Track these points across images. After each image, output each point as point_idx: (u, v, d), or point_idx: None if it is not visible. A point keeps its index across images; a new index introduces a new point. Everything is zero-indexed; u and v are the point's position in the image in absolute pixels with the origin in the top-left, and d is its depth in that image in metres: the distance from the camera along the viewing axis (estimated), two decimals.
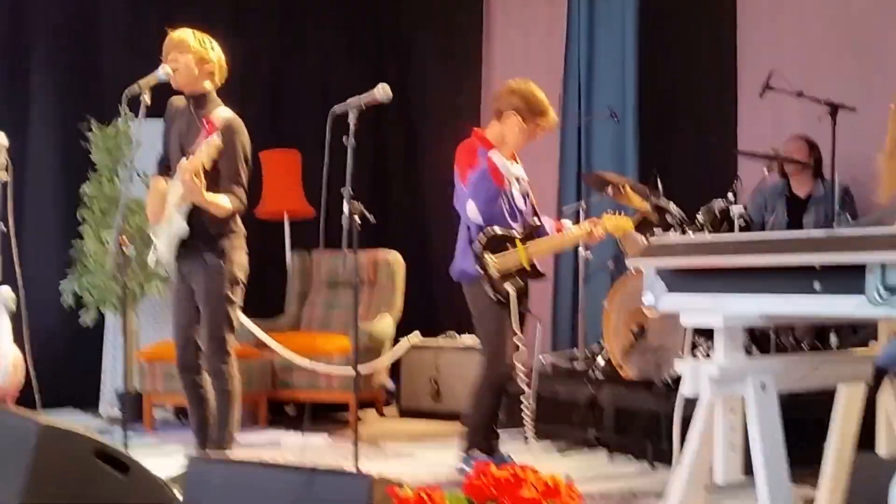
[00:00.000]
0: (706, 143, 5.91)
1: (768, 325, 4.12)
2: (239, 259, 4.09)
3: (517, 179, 4.38)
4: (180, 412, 6.06)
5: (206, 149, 3.86)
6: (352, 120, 3.79)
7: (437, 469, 4.56)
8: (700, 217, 4.97)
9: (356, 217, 3.80)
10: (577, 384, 5.13)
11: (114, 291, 5.80)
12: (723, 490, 3.77)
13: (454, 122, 7.49)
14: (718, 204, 4.95)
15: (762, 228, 5.25)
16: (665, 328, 4.80)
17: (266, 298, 6.35)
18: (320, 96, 7.04)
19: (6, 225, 4.04)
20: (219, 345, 4.03)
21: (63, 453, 2.98)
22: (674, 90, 6.14)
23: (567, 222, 4.49)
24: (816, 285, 2.06)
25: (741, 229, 4.78)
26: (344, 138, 3.75)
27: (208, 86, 4.09)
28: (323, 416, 5.93)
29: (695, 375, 2.13)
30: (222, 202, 3.95)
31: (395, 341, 6.18)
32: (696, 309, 2.25)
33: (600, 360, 5.29)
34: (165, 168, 4.21)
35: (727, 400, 2.16)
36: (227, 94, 4.20)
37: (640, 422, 4.56)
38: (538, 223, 4.36)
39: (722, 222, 4.89)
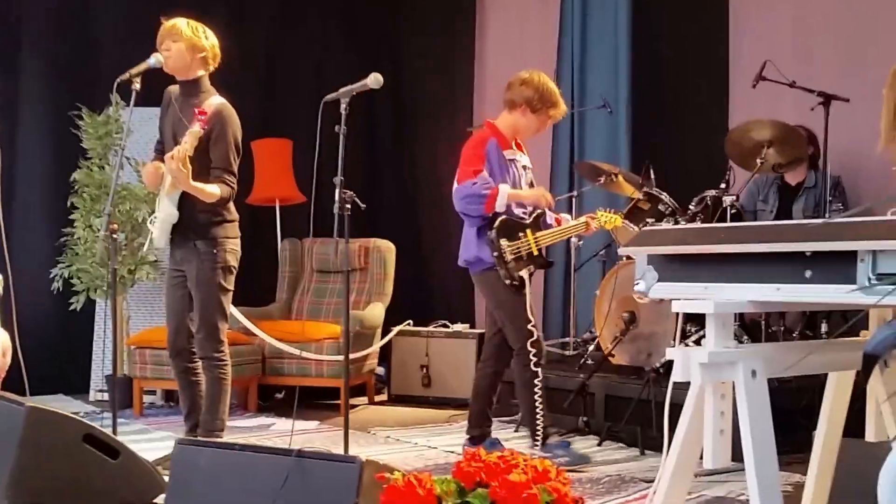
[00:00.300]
0: (699, 133, 5.92)
1: (759, 311, 4.14)
2: (231, 246, 4.10)
3: (524, 168, 4.39)
4: (170, 397, 6.06)
5: (189, 138, 3.87)
6: (343, 108, 3.78)
7: (427, 455, 4.57)
8: (692, 206, 4.98)
9: (347, 205, 3.79)
10: (568, 371, 5.15)
11: (104, 277, 5.80)
12: (712, 476, 3.81)
13: (446, 110, 7.51)
14: (711, 193, 4.96)
15: (754, 216, 5.28)
16: (656, 315, 4.81)
17: (257, 286, 6.35)
18: (312, 85, 7.02)
19: None
20: (210, 331, 4.04)
21: (51, 438, 2.98)
22: (667, 80, 6.15)
23: (566, 217, 4.50)
24: (807, 273, 2.06)
25: (733, 218, 4.79)
26: (336, 127, 3.75)
27: (201, 73, 4.09)
28: (313, 402, 5.94)
29: (685, 362, 2.13)
30: (210, 189, 3.95)
31: (386, 329, 6.19)
32: (687, 296, 2.25)
33: (591, 348, 5.31)
34: (161, 155, 4.21)
35: (717, 386, 2.16)
36: (221, 82, 4.19)
37: (631, 408, 4.57)
38: (541, 211, 4.38)
39: (714, 211, 4.90)
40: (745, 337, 4.74)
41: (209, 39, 4.08)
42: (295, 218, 6.68)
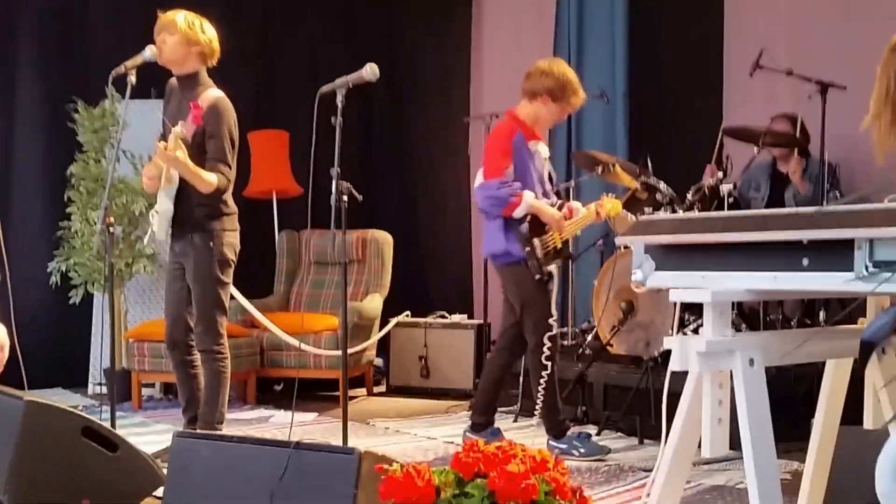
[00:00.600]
0: (696, 122, 5.92)
1: (757, 300, 4.15)
2: (229, 240, 4.09)
3: (545, 160, 4.38)
4: (168, 390, 6.07)
5: (173, 138, 3.85)
6: (339, 100, 3.77)
7: (426, 445, 4.57)
8: (690, 195, 4.98)
9: (344, 196, 3.79)
10: (566, 361, 5.14)
11: (101, 271, 5.80)
12: (710, 464, 3.82)
13: (443, 101, 7.50)
14: (708, 182, 4.96)
15: (747, 204, 5.29)
16: (654, 305, 4.82)
17: (255, 278, 6.34)
18: (308, 76, 7.01)
19: None
20: (209, 325, 4.04)
21: (50, 431, 2.98)
22: (663, 70, 6.15)
23: (577, 204, 4.49)
24: (805, 261, 2.06)
25: (730, 207, 4.79)
26: (332, 118, 3.74)
27: (198, 66, 4.07)
28: (312, 393, 5.94)
29: (683, 351, 2.13)
30: (207, 177, 3.95)
31: (384, 320, 6.19)
32: (685, 285, 2.25)
33: (589, 337, 5.31)
34: None
35: (715, 375, 2.16)
36: (216, 74, 4.18)
37: (629, 398, 4.58)
38: (562, 202, 4.38)
39: (712, 200, 4.90)
40: (744, 325, 4.74)
41: (206, 33, 4.06)
42: (292, 210, 6.67)
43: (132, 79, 3.92)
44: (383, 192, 7.47)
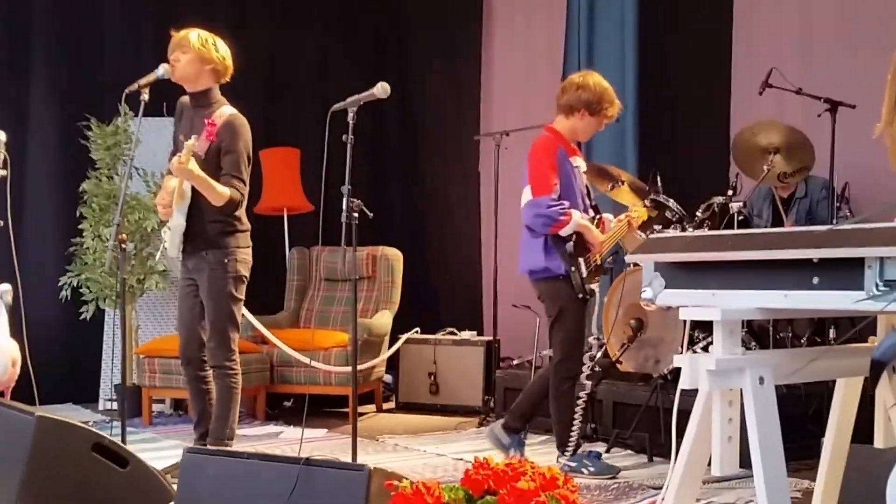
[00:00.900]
0: (705, 141, 5.93)
1: (767, 318, 4.13)
2: (242, 256, 4.12)
3: (583, 174, 4.39)
4: (178, 406, 6.08)
5: (186, 151, 3.88)
6: (351, 117, 3.79)
7: (435, 462, 4.57)
8: (699, 213, 4.98)
9: (355, 213, 3.80)
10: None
11: (112, 287, 5.82)
12: (720, 482, 3.81)
13: (453, 117, 7.52)
14: (718, 200, 4.96)
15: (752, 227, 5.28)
16: (663, 322, 4.81)
17: (265, 294, 6.35)
18: (320, 94, 7.04)
19: (5, 220, 4.04)
20: (222, 340, 4.06)
21: (61, 447, 2.98)
22: (673, 89, 6.15)
23: (608, 216, 4.48)
24: (815, 280, 2.06)
25: (740, 225, 4.79)
26: (343, 136, 3.76)
27: (210, 84, 4.10)
28: (321, 410, 5.94)
29: (693, 369, 2.13)
30: (220, 189, 3.97)
31: (394, 336, 6.19)
32: (695, 303, 2.25)
33: (599, 355, 5.30)
34: None
35: (725, 393, 2.16)
36: (227, 91, 4.21)
37: (639, 415, 4.57)
38: (600, 216, 4.38)
39: (721, 218, 4.89)
40: (753, 343, 4.73)
41: (220, 51, 4.10)
42: (303, 226, 6.69)
43: (145, 96, 3.95)
44: (394, 209, 7.49)
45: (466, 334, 6.25)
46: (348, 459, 3.80)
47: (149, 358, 5.66)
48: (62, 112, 6.35)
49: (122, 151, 5.93)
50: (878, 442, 2.48)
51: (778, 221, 5.20)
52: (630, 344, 4.89)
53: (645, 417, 4.54)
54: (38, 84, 6.39)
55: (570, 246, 4.17)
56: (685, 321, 2.28)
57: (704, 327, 4.57)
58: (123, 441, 3.66)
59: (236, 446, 4.18)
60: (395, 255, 6.46)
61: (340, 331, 6.03)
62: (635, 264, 4.70)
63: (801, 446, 3.75)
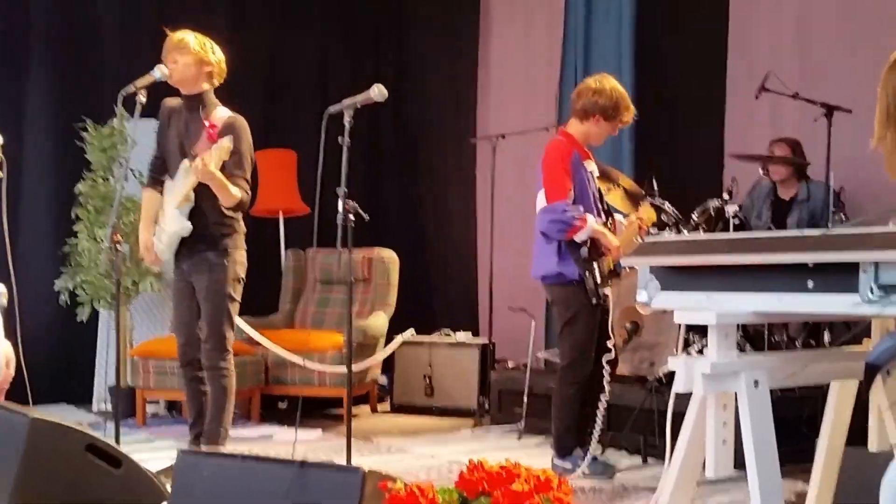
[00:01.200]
0: (701, 144, 5.93)
1: (761, 322, 4.14)
2: (240, 258, 4.16)
3: (596, 178, 4.37)
4: (172, 407, 6.07)
5: (217, 152, 3.88)
6: (347, 120, 3.79)
7: (430, 464, 4.57)
8: (695, 216, 4.98)
9: (350, 215, 3.80)
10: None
11: (108, 288, 5.81)
12: (714, 485, 3.81)
13: (450, 121, 7.53)
14: (714, 204, 4.96)
15: (750, 229, 5.29)
16: (659, 325, 4.81)
17: (261, 296, 6.34)
18: (316, 96, 7.05)
19: (0, 221, 4.04)
20: (219, 341, 4.08)
21: (54, 447, 2.98)
22: (670, 93, 6.16)
23: (619, 217, 4.47)
24: (810, 284, 2.07)
25: (736, 228, 4.79)
26: (339, 138, 3.76)
27: (206, 86, 4.12)
28: (316, 411, 5.94)
29: (688, 372, 2.14)
30: (233, 190, 3.99)
31: (389, 338, 6.19)
32: (690, 307, 2.26)
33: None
34: (160, 168, 4.24)
35: (719, 396, 2.17)
36: (224, 94, 4.21)
37: (633, 417, 4.57)
38: (611, 221, 4.38)
39: (717, 222, 4.90)
40: (748, 346, 4.74)
41: (216, 55, 4.12)
42: (298, 228, 6.69)
43: (142, 98, 3.95)
44: (389, 212, 7.49)
45: (462, 336, 6.24)
46: (343, 461, 3.80)
47: (143, 359, 5.65)
48: (58, 113, 6.35)
49: (118, 153, 5.92)
50: (872, 445, 2.49)
51: (777, 223, 5.20)
52: (625, 346, 4.89)
53: (640, 419, 4.55)
54: (35, 85, 6.38)
55: (584, 251, 4.15)
56: (680, 324, 2.28)
57: (700, 330, 4.57)
58: (117, 442, 3.66)
59: (230, 448, 4.18)
60: (390, 257, 6.46)
61: (336, 332, 6.02)
62: (631, 267, 4.70)
63: (795, 449, 3.74)
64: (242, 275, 4.16)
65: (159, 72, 4.01)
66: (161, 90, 4.17)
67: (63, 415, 5.53)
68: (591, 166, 4.36)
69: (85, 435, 3.08)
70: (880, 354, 1.97)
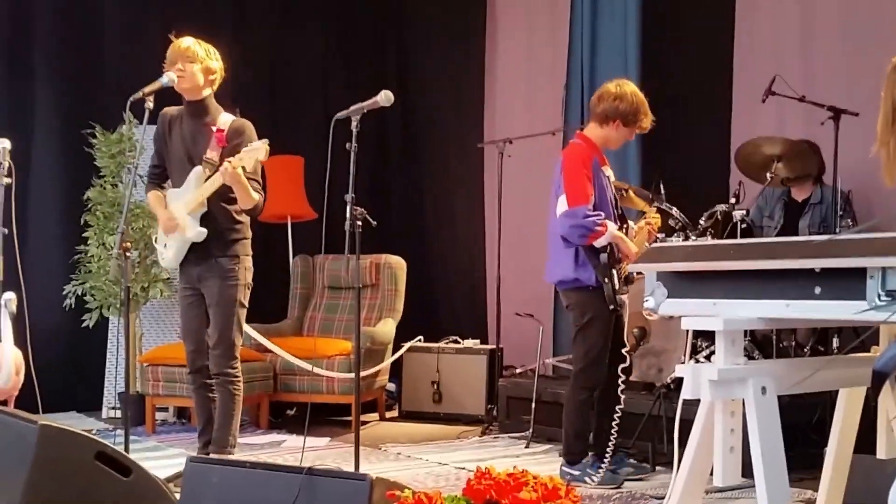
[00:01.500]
0: (709, 148, 5.93)
1: (769, 327, 4.12)
2: (249, 263, 4.19)
3: (612, 183, 4.37)
4: (182, 414, 6.08)
5: (252, 153, 3.90)
6: (354, 125, 3.80)
7: (438, 471, 4.56)
8: (702, 221, 4.97)
9: (358, 221, 3.81)
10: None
11: (117, 295, 5.83)
12: (723, 492, 3.80)
13: (457, 126, 7.53)
14: (721, 208, 4.96)
15: (760, 231, 5.28)
16: (666, 331, 4.81)
17: (269, 302, 6.36)
18: (323, 102, 7.06)
19: (9, 228, 4.06)
20: (228, 347, 4.09)
21: (64, 455, 2.98)
22: (676, 96, 6.15)
23: (631, 224, 4.47)
24: (817, 290, 2.06)
25: (743, 233, 4.79)
26: (347, 144, 3.77)
27: (208, 92, 4.14)
28: (324, 418, 5.94)
29: (695, 379, 2.13)
30: (253, 193, 4.02)
31: (397, 345, 6.19)
32: (697, 313, 2.25)
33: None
34: (160, 177, 4.27)
35: (727, 403, 2.16)
36: (231, 100, 4.22)
37: (641, 424, 4.56)
38: (626, 226, 4.37)
39: (725, 227, 4.89)
40: (756, 352, 4.72)
41: (218, 62, 4.15)
42: (306, 234, 6.69)
43: (149, 104, 3.96)
44: (397, 218, 7.49)
45: (469, 343, 6.24)
46: (351, 468, 3.80)
47: (152, 366, 5.66)
48: (67, 120, 6.36)
49: (127, 159, 5.94)
50: (881, 452, 2.48)
51: (789, 224, 5.19)
52: (633, 353, 4.88)
53: (648, 427, 4.53)
54: (43, 92, 6.41)
55: (604, 257, 4.14)
56: (688, 330, 2.28)
57: (707, 336, 4.56)
58: (126, 449, 3.66)
59: (238, 455, 4.19)
60: (398, 264, 6.46)
61: (344, 339, 6.03)
62: (638, 273, 4.69)
63: (803, 456, 3.74)
64: (250, 281, 4.19)
65: (167, 78, 4.03)
66: (167, 96, 4.18)
67: (72, 422, 5.55)
68: (609, 171, 4.36)
69: (94, 442, 3.08)
70: (888, 361, 1.96)
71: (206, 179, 4.04)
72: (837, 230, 4.58)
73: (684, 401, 2.18)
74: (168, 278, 5.92)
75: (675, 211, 5.01)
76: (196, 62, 4.06)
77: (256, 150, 3.93)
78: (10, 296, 3.98)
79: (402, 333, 6.27)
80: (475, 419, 5.88)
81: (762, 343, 4.82)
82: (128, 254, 3.96)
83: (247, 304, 4.17)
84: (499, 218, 6.06)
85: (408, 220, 7.61)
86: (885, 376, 1.97)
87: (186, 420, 5.97)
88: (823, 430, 2.91)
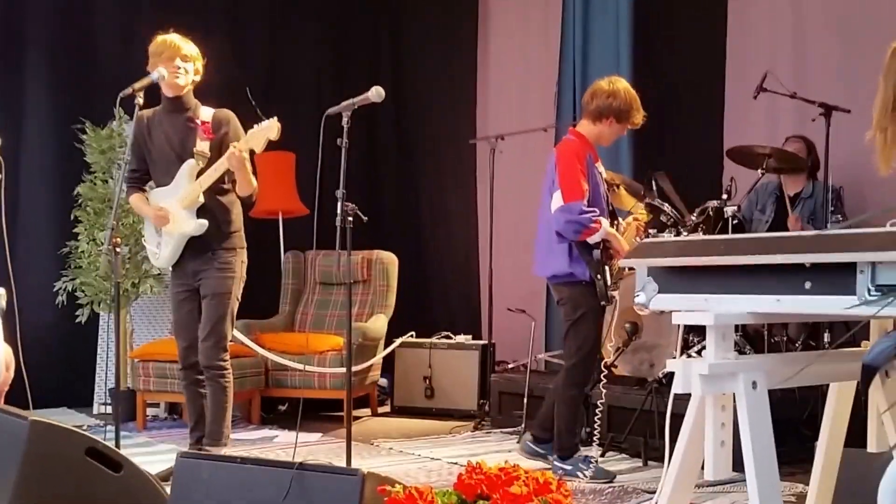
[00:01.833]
0: (701, 144, 5.93)
1: (759, 322, 4.14)
2: (245, 256, 4.21)
3: (604, 179, 4.38)
4: (173, 410, 6.07)
5: (263, 132, 3.94)
6: (345, 121, 3.80)
7: (430, 466, 4.57)
8: (694, 217, 4.98)
9: (350, 217, 3.81)
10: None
11: (107, 290, 5.81)
12: (713, 486, 3.81)
13: (449, 122, 7.53)
14: (713, 204, 4.97)
15: (751, 225, 5.30)
16: (658, 326, 4.81)
17: (260, 298, 6.35)
18: (315, 98, 7.05)
19: None
20: (219, 340, 4.10)
21: (54, 451, 2.98)
22: (668, 92, 6.16)
23: (620, 221, 4.49)
24: (807, 285, 2.07)
25: (734, 229, 4.80)
26: (338, 140, 3.77)
27: (189, 89, 4.17)
28: (316, 414, 5.94)
29: (685, 373, 2.13)
30: (251, 178, 4.06)
31: (389, 340, 6.19)
32: (688, 308, 2.25)
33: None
34: (139, 180, 4.27)
35: (718, 398, 2.17)
36: (222, 96, 4.23)
37: (633, 419, 4.57)
38: (617, 222, 4.39)
39: (716, 222, 4.90)
40: (748, 347, 4.74)
41: (202, 58, 4.18)
42: (298, 230, 6.69)
43: (139, 100, 3.97)
44: (389, 213, 7.49)
45: (462, 338, 6.25)
46: (343, 464, 3.80)
47: (143, 362, 5.65)
48: (57, 115, 6.35)
49: (117, 155, 5.93)
50: (871, 446, 2.48)
51: (781, 217, 5.21)
52: (625, 348, 4.89)
53: (640, 421, 4.55)
54: (33, 88, 6.39)
55: (597, 253, 4.16)
56: (679, 325, 2.28)
57: (699, 332, 4.57)
58: (117, 445, 3.66)
59: (230, 450, 4.18)
60: (390, 259, 6.47)
61: (335, 334, 6.03)
62: (630, 268, 4.70)
63: (794, 450, 3.76)
64: (245, 274, 4.20)
65: (157, 73, 4.03)
66: (160, 92, 4.18)
67: (63, 418, 5.54)
68: (601, 168, 4.37)
69: (85, 438, 3.08)
70: (878, 355, 1.96)
71: (199, 173, 4.04)
72: (828, 225, 4.60)
73: (675, 395, 2.18)
74: (159, 274, 5.91)
75: (666, 207, 5.01)
76: (191, 61, 4.09)
77: (267, 129, 3.95)
78: (0, 291, 3.97)
79: (395, 329, 6.28)
80: (467, 414, 5.89)
81: (753, 338, 4.84)
82: (118, 249, 3.95)
83: (239, 297, 4.18)
84: (491, 214, 6.06)
85: (400, 215, 7.61)
86: (874, 370, 1.97)
87: (178, 416, 5.97)
88: (815, 424, 2.92)
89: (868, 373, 1.98)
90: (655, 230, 4.95)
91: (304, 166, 6.56)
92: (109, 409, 6.01)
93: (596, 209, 4.17)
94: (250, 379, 5.69)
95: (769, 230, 5.19)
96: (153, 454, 4.77)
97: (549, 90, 6.71)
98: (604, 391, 4.29)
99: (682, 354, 4.40)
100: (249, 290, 4.35)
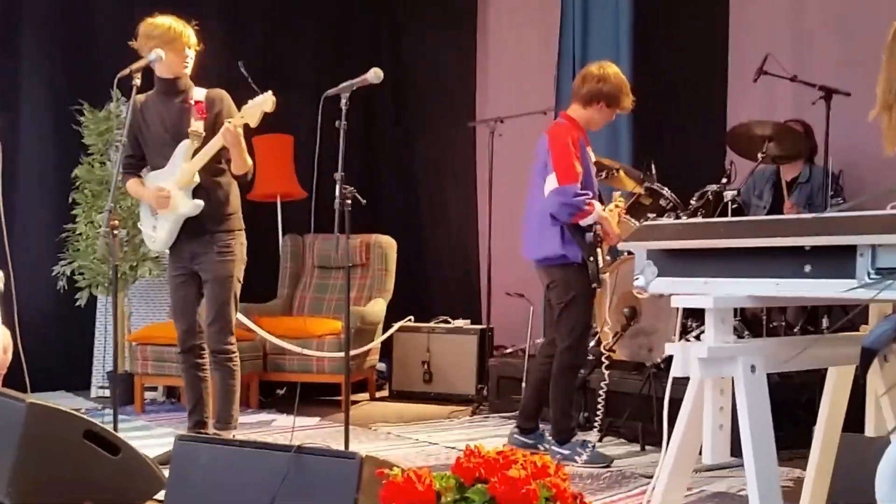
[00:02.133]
0: (701, 128, 5.92)
1: (759, 306, 4.14)
2: (244, 239, 4.19)
3: (593, 164, 4.39)
4: (171, 394, 6.07)
5: (257, 107, 3.95)
6: (344, 103, 3.78)
7: (428, 450, 4.57)
8: (693, 201, 4.98)
9: (348, 200, 3.80)
10: None
11: (105, 273, 5.81)
12: (712, 471, 3.81)
13: (448, 105, 7.50)
14: (712, 188, 4.96)
15: (749, 210, 5.30)
16: (657, 311, 4.81)
17: (258, 281, 6.33)
18: (313, 80, 7.02)
19: None
20: (225, 324, 4.09)
21: (52, 434, 2.98)
22: (668, 76, 6.14)
23: (598, 206, 4.48)
24: (807, 268, 2.06)
25: (734, 213, 4.79)
26: (336, 122, 3.75)
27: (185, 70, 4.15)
28: (314, 398, 5.94)
29: (684, 357, 2.12)
30: (246, 155, 4.04)
31: (387, 324, 6.19)
32: (687, 291, 2.25)
33: (592, 343, 5.30)
34: (135, 165, 4.25)
35: (716, 381, 2.16)
36: (220, 79, 4.21)
37: (631, 404, 4.58)
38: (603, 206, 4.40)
39: (716, 206, 4.90)
40: (746, 332, 4.73)
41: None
42: (296, 213, 6.68)
43: (137, 81, 3.95)
44: (387, 197, 7.48)
45: (460, 322, 6.25)
46: (341, 447, 3.80)
47: (141, 345, 5.65)
48: (54, 97, 6.32)
49: (115, 137, 5.91)
50: (869, 430, 2.48)
51: (778, 204, 5.21)
52: (623, 332, 4.89)
53: (638, 406, 4.55)
54: (30, 69, 6.36)
55: (589, 236, 4.18)
56: (678, 309, 2.27)
57: (698, 316, 4.57)
58: (115, 428, 3.66)
59: (237, 433, 4.19)
60: (388, 243, 6.46)
61: (333, 318, 6.02)
62: (628, 252, 4.69)
63: (793, 434, 3.76)
64: (245, 256, 4.19)
65: (154, 55, 4.00)
66: (151, 73, 4.17)
67: (61, 401, 5.54)
68: (591, 152, 4.38)
69: (83, 421, 3.08)
70: (876, 339, 1.96)
71: (195, 152, 4.03)
72: (828, 209, 4.59)
73: (674, 380, 2.18)
74: (157, 257, 5.90)
75: (665, 191, 5.01)
76: (191, 47, 4.10)
77: (262, 103, 3.94)
78: None
79: (393, 313, 6.27)
80: (465, 399, 5.89)
81: (752, 323, 4.84)
82: (115, 232, 3.94)
83: (241, 279, 4.17)
84: (489, 197, 6.05)
85: (398, 199, 7.60)
86: (873, 353, 1.97)
87: (176, 399, 5.97)
88: (813, 409, 2.92)
89: (867, 356, 1.97)
90: (655, 214, 4.95)
91: (302, 149, 6.54)
92: (107, 393, 6.01)
93: (589, 192, 4.18)
94: (248, 363, 5.69)
95: (768, 215, 5.19)
96: (151, 437, 4.77)
97: (547, 74, 6.68)
98: (606, 373, 4.30)
99: (680, 339, 4.40)
100: (248, 274, 4.34)
